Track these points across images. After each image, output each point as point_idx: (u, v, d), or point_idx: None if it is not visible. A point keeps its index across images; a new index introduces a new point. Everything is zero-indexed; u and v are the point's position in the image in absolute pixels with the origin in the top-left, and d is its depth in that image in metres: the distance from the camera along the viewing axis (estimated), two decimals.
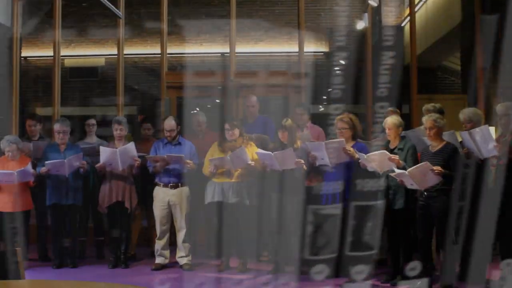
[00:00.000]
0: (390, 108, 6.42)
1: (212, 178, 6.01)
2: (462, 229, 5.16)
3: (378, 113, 5.86)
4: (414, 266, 5.34)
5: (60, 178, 6.11)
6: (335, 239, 5.68)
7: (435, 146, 5.19)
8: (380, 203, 5.54)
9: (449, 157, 5.06)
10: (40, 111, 9.91)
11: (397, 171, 5.06)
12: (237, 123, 6.10)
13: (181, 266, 6.16)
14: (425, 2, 9.25)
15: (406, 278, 5.24)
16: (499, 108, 5.43)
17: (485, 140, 5.01)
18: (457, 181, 5.16)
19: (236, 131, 6.00)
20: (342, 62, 10.90)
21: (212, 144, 6.18)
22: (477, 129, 5.10)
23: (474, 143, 5.06)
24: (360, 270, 5.48)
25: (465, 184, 5.26)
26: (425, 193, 5.11)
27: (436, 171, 4.91)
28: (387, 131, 5.50)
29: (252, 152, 5.93)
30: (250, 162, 5.84)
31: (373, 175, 5.57)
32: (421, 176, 4.95)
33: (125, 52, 8.16)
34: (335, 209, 5.73)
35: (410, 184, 5.06)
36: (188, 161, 6.04)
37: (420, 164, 5.02)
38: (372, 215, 5.74)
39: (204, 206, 6.15)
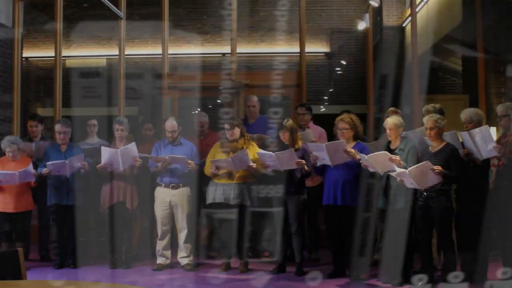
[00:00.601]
0: (391, 108, 6.42)
1: (214, 178, 6.01)
2: (370, 241, 5.21)
3: (273, 119, 5.94)
4: (314, 276, 5.40)
5: (61, 179, 6.12)
6: (231, 243, 5.81)
7: (435, 146, 5.19)
8: (277, 210, 5.73)
9: (449, 157, 5.06)
10: (42, 111, 9.92)
11: (398, 170, 5.06)
12: (237, 122, 6.09)
13: (182, 267, 6.16)
14: (426, 2, 9.24)
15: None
16: (499, 108, 5.43)
17: (484, 140, 5.01)
18: (456, 182, 5.19)
19: (236, 131, 5.99)
20: (343, 62, 10.93)
21: (214, 144, 6.18)
22: (476, 130, 5.11)
23: (473, 144, 5.07)
24: (260, 276, 5.61)
25: (371, 196, 5.31)
26: (425, 193, 5.11)
27: (436, 170, 4.91)
28: (388, 131, 5.50)
29: (253, 153, 5.93)
30: (251, 163, 5.84)
31: (269, 181, 5.74)
32: (421, 176, 4.95)
33: (126, 52, 8.16)
34: (230, 214, 5.94)
35: (410, 184, 5.05)
36: (189, 161, 6.04)
37: (421, 163, 5.02)
38: (269, 222, 5.91)
39: (206, 206, 6.17)
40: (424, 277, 4.99)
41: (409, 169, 4.99)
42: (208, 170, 5.99)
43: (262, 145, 6.23)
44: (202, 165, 6.16)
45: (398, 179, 5.12)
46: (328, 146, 5.51)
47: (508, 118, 5.31)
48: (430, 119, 5.19)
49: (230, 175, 5.92)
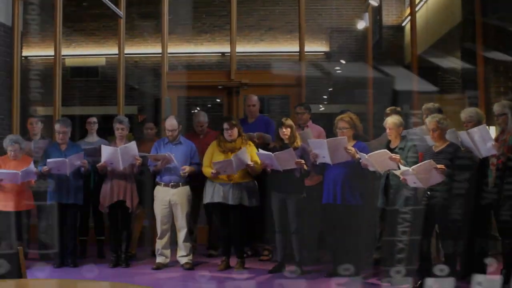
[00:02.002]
0: (391, 107, 6.41)
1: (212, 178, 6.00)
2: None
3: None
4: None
5: (61, 177, 6.11)
6: (11, 235, 6.00)
7: (438, 146, 5.19)
8: (50, 203, 6.10)
9: (453, 156, 5.07)
10: (41, 110, 9.91)
11: (402, 168, 5.07)
12: (236, 122, 6.09)
13: (181, 266, 6.16)
14: (425, 1, 9.24)
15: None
16: (496, 107, 5.44)
17: (483, 139, 5.03)
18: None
19: (235, 131, 5.99)
20: (343, 61, 10.93)
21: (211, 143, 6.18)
22: (475, 129, 5.13)
23: (472, 143, 5.09)
24: (40, 268, 5.94)
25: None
26: (428, 192, 5.11)
27: (440, 169, 4.92)
28: (387, 130, 5.51)
29: (250, 152, 5.92)
30: (249, 162, 5.83)
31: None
32: (425, 174, 4.95)
33: (125, 51, 8.15)
34: None
35: (413, 183, 5.06)
36: (184, 167, 6.02)
37: (424, 162, 5.03)
38: (45, 214, 6.34)
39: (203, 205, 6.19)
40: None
41: (413, 167, 4.99)
42: (208, 170, 5.98)
43: (263, 144, 6.23)
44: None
45: (402, 177, 5.11)
46: (329, 142, 5.51)
47: (506, 117, 5.32)
48: (433, 120, 5.17)
49: (228, 176, 5.92)
